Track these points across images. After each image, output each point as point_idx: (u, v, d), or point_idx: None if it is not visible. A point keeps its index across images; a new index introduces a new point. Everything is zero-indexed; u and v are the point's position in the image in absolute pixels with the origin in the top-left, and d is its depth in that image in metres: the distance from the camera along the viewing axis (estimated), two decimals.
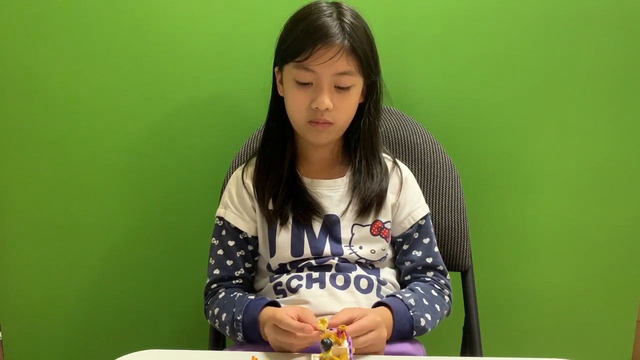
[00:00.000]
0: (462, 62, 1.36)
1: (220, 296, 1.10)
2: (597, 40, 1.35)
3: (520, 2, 1.33)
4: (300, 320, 0.92)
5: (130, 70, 1.36)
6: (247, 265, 1.14)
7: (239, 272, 1.13)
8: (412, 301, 1.04)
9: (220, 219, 1.14)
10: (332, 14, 1.03)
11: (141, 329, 1.50)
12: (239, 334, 1.03)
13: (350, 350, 0.84)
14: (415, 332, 1.04)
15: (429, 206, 1.19)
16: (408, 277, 1.14)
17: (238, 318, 1.02)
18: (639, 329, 1.56)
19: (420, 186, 1.21)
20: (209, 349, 1.22)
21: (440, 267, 1.15)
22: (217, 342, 1.22)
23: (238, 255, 1.13)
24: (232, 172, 1.21)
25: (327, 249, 1.09)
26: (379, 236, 1.11)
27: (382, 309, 1.03)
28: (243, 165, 1.17)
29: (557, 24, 1.34)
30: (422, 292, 1.09)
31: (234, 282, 1.13)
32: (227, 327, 1.05)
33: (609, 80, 1.37)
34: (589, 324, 1.51)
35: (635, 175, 1.42)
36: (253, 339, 1.02)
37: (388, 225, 1.12)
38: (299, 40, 1.01)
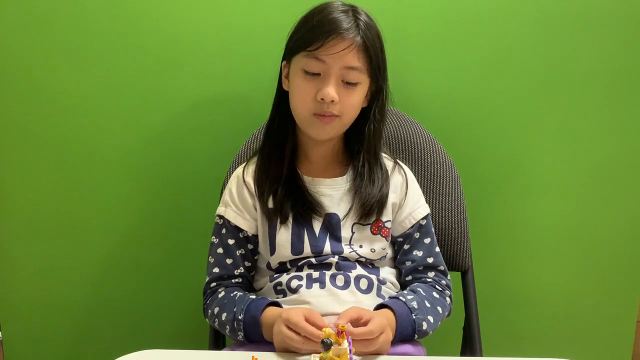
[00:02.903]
0: (463, 62, 1.36)
1: (220, 295, 1.10)
2: (597, 41, 1.35)
3: (521, 2, 1.33)
4: (307, 322, 0.93)
5: (130, 70, 1.36)
6: (247, 264, 1.14)
7: (239, 270, 1.13)
8: (414, 304, 1.04)
9: (221, 217, 1.14)
10: (348, 11, 1.04)
11: (141, 329, 1.50)
12: (239, 333, 1.03)
13: (350, 350, 0.84)
14: (417, 336, 1.04)
15: (429, 206, 1.19)
16: (409, 277, 1.14)
17: (239, 318, 1.02)
18: (639, 329, 1.56)
19: (420, 186, 1.20)
20: (209, 349, 1.22)
21: (442, 267, 1.15)
22: (217, 342, 1.22)
23: (238, 254, 1.12)
24: (233, 172, 1.21)
25: (327, 248, 1.09)
26: (379, 235, 1.11)
27: (386, 311, 1.02)
28: (244, 164, 1.18)
29: (557, 24, 1.34)
30: (424, 294, 1.09)
31: (233, 281, 1.13)
32: (227, 327, 1.05)
33: (608, 80, 1.37)
34: (589, 324, 1.51)
35: (635, 175, 1.42)
36: (254, 338, 1.02)
37: (388, 225, 1.12)
38: (313, 30, 1.03)
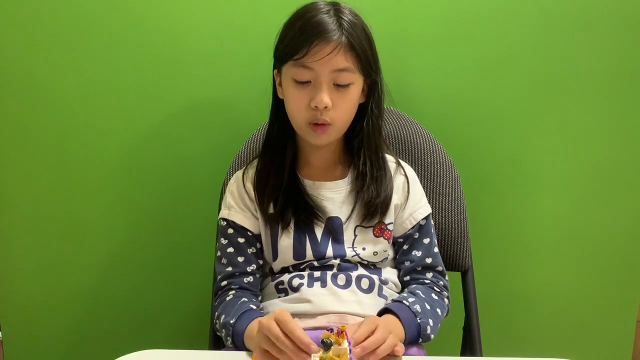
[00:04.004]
0: (463, 62, 1.36)
1: (228, 299, 1.08)
2: (597, 41, 1.35)
3: (521, 2, 1.33)
4: (278, 325, 0.87)
5: (130, 70, 1.36)
6: (260, 261, 1.12)
7: (251, 267, 1.10)
8: (417, 307, 1.03)
9: (225, 220, 1.13)
10: (330, 11, 1.02)
11: (141, 329, 1.50)
12: (228, 338, 1.02)
13: (350, 350, 0.84)
14: (421, 340, 1.03)
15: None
16: (407, 278, 1.14)
17: (230, 322, 1.01)
18: (639, 328, 1.56)
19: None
20: (209, 349, 1.21)
21: (440, 268, 1.14)
22: (217, 342, 1.21)
23: (249, 252, 1.11)
24: (232, 172, 1.21)
25: (329, 252, 1.09)
26: (381, 237, 1.11)
27: (391, 317, 1.01)
28: (244, 168, 1.17)
29: (557, 24, 1.34)
30: (423, 296, 1.08)
31: (245, 280, 1.10)
32: (223, 331, 1.04)
33: (608, 80, 1.37)
34: (589, 324, 1.51)
35: (635, 175, 1.42)
36: (239, 346, 1.01)
37: (390, 227, 1.12)
38: (296, 38, 1.01)
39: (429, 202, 1.21)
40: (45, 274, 1.47)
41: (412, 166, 1.24)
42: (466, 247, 1.27)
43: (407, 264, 1.13)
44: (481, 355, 1.22)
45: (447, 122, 1.38)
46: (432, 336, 1.05)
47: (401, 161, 1.17)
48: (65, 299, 1.48)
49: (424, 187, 1.23)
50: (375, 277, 1.10)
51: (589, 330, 1.51)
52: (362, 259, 1.10)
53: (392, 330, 0.95)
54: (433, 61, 1.36)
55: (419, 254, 1.13)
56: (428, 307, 1.06)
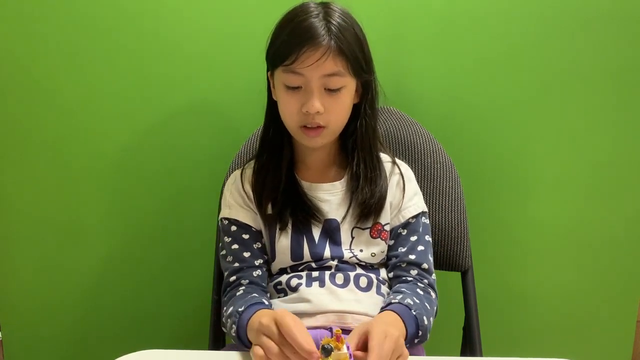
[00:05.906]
0: (462, 62, 1.36)
1: (238, 293, 1.06)
2: (597, 41, 1.35)
3: (521, 2, 1.33)
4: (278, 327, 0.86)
5: (129, 71, 1.36)
6: (265, 256, 1.11)
7: (259, 261, 1.09)
8: (409, 300, 1.02)
9: (227, 219, 1.12)
10: (319, 14, 1.01)
11: (141, 329, 1.50)
12: (233, 326, 0.99)
13: (350, 355, 0.84)
14: (420, 332, 1.01)
15: (429, 206, 1.18)
16: (392, 274, 1.12)
17: (239, 310, 0.99)
18: (639, 329, 1.56)
19: (420, 186, 1.20)
20: (208, 349, 1.22)
21: (425, 266, 1.11)
22: (217, 342, 1.22)
23: (255, 247, 1.10)
24: (232, 173, 1.20)
25: (326, 253, 1.08)
26: (378, 239, 1.10)
27: (390, 313, 0.99)
28: (241, 169, 1.16)
29: (557, 24, 1.34)
30: (409, 292, 1.06)
31: (254, 273, 1.08)
32: (229, 320, 1.02)
33: (609, 81, 1.37)
34: (589, 324, 1.51)
35: (635, 175, 1.42)
36: (241, 338, 0.98)
37: (387, 228, 1.11)
38: (285, 43, 1.00)
39: (429, 202, 1.21)
40: (45, 274, 1.47)
41: (412, 166, 1.23)
42: (466, 247, 1.27)
43: (392, 260, 1.12)
44: (481, 355, 1.22)
45: (447, 122, 1.38)
46: (429, 328, 1.03)
47: (397, 160, 1.17)
48: (65, 299, 1.48)
49: (424, 187, 1.23)
50: (373, 275, 1.10)
51: (589, 330, 1.51)
52: (360, 261, 1.10)
53: (392, 326, 0.92)
54: (433, 61, 1.36)
55: (403, 249, 1.11)
56: (417, 301, 1.04)
